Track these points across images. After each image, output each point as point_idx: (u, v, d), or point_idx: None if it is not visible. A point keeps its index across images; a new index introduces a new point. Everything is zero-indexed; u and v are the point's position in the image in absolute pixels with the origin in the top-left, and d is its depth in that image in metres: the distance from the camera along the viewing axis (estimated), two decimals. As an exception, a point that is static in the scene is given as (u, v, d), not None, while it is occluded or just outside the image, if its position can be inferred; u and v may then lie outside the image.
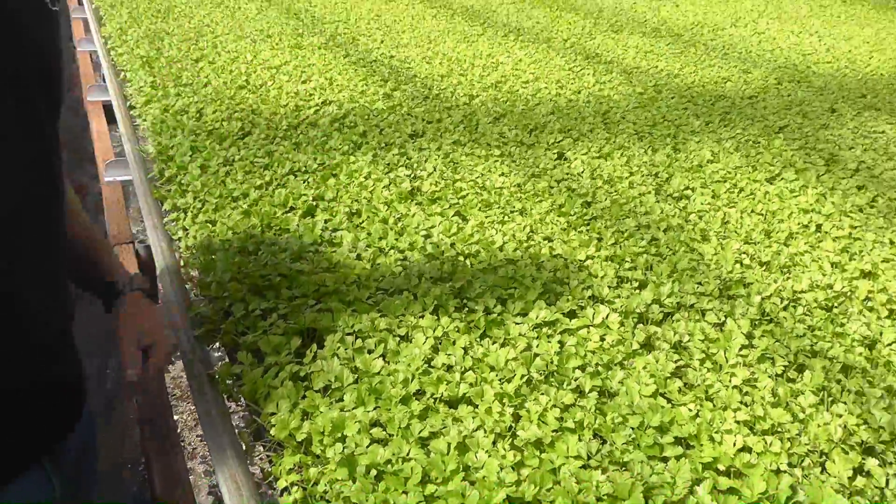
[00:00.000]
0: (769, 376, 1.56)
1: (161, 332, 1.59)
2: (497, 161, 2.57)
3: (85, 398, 1.41)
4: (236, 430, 1.44)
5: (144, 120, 2.91)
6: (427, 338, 1.57)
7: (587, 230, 2.13)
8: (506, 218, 2.15)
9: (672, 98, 3.48)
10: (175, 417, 2.00)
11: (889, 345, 1.72)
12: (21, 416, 1.22)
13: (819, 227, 2.28)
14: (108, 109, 3.40)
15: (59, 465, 1.34)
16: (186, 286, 1.89)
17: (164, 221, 2.19)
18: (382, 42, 4.28)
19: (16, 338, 1.17)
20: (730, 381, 1.54)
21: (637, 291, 1.83)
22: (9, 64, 1.02)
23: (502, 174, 2.45)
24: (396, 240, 1.98)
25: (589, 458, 1.31)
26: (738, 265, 2.00)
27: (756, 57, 4.41)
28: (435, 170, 2.45)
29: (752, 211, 2.34)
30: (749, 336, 1.69)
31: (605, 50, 4.39)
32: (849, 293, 1.92)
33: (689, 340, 1.66)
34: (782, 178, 2.61)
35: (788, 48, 4.67)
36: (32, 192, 1.10)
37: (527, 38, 4.59)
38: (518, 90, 3.47)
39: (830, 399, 1.52)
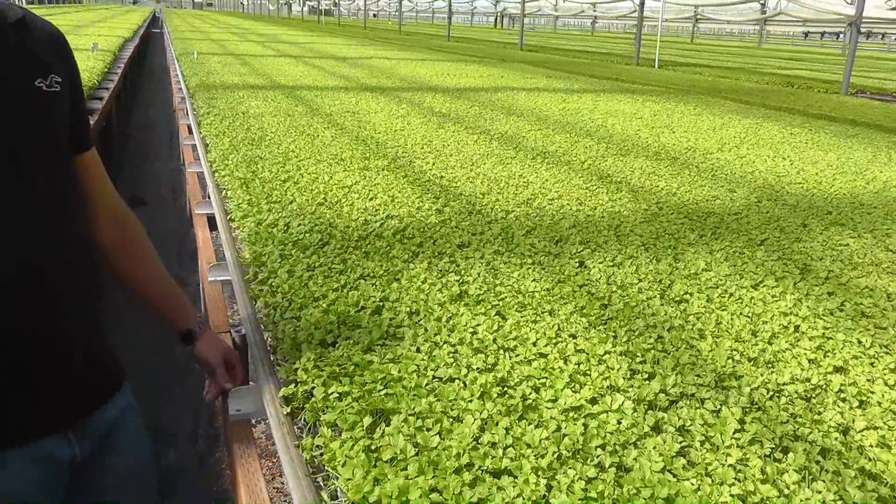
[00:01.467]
0: (758, 456, 1.56)
1: (234, 357, 1.72)
2: (529, 269, 2.62)
3: (116, 378, 1.48)
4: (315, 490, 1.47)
5: (242, 231, 3.00)
6: (475, 419, 1.60)
7: (604, 328, 2.15)
8: (537, 318, 2.19)
9: (671, 214, 3.52)
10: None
11: (860, 431, 1.72)
12: (42, 387, 1.29)
13: (797, 327, 2.28)
14: (211, 220, 3.50)
15: (84, 435, 1.38)
16: (276, 368, 1.93)
17: (257, 316, 2.25)
18: (433, 164, 4.39)
19: (43, 311, 1.25)
20: (725, 459, 1.54)
21: (647, 382, 1.85)
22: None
23: (534, 280, 2.49)
24: (448, 335, 2.02)
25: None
26: (730, 360, 2.01)
27: (739, 178, 4.46)
28: (479, 276, 2.49)
29: (741, 313, 2.35)
30: (741, 422, 1.69)
31: (616, 171, 4.46)
32: (824, 386, 1.92)
33: (691, 424, 1.67)
34: (765, 285, 2.63)
35: (765, 170, 4.72)
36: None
37: (551, 160, 4.68)
38: (545, 206, 3.53)
39: (811, 477, 1.52)
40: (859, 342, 2.21)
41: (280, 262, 2.54)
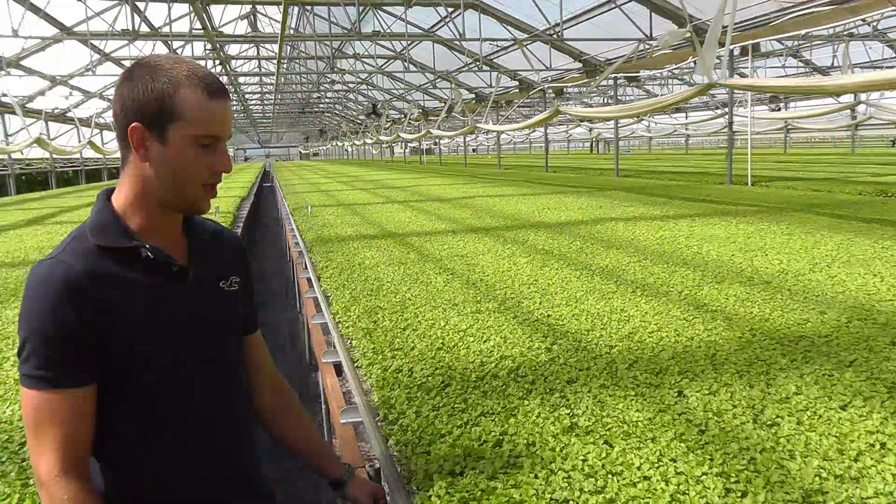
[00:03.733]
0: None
1: (380, 493, 2.10)
2: (633, 400, 2.92)
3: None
4: None
5: (369, 377, 3.43)
6: (590, 535, 1.91)
7: (702, 452, 2.43)
8: (641, 444, 2.49)
9: (764, 340, 3.75)
10: None
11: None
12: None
13: (883, 444, 2.49)
14: (337, 367, 3.93)
15: None
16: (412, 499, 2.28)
17: (389, 453, 2.62)
18: (540, 303, 4.76)
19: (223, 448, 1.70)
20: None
21: (740, 499, 2.11)
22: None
23: (637, 410, 2.80)
24: (562, 463, 2.34)
25: None
26: (817, 478, 2.25)
27: (830, 299, 4.62)
28: (587, 408, 2.82)
29: (829, 434, 2.58)
30: (826, 531, 1.94)
31: (711, 300, 4.72)
32: (905, 497, 2.14)
33: (780, 535, 1.93)
34: (853, 405, 2.84)
35: (856, 289, 4.87)
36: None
37: (650, 292, 4.99)
38: (645, 339, 3.83)
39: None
40: (944, 455, 2.40)
41: (408, 404, 2.94)
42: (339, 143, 74.33)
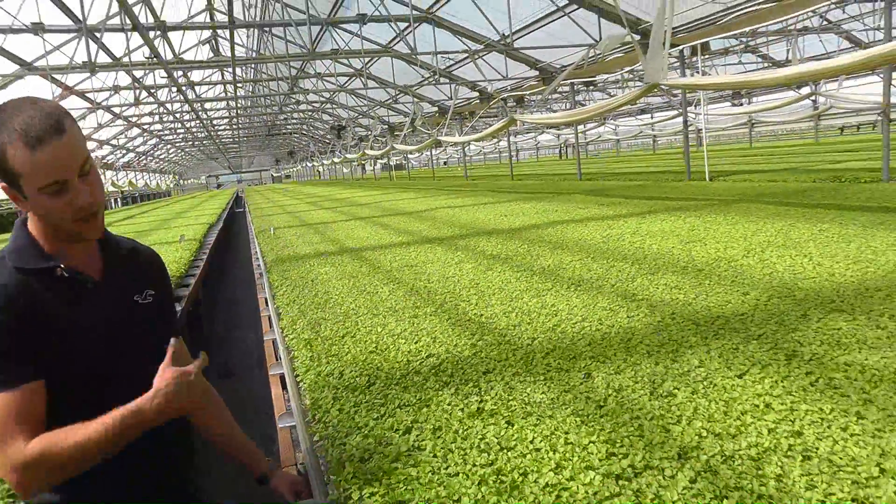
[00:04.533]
0: (699, 507, 2.00)
1: (300, 485, 2.26)
2: (541, 384, 3.12)
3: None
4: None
5: (303, 382, 3.60)
6: (471, 499, 2.09)
7: (594, 425, 2.62)
8: (539, 422, 2.68)
9: (682, 322, 3.97)
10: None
11: (794, 479, 2.13)
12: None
13: (768, 405, 2.70)
14: (282, 379, 4.12)
15: None
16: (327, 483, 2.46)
17: (315, 448, 2.80)
18: (476, 304, 4.96)
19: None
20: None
21: (620, 460, 2.30)
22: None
23: (543, 392, 2.99)
24: (462, 442, 2.53)
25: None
26: (696, 436, 2.45)
27: (756, 281, 4.85)
28: (497, 395, 3.01)
29: (719, 399, 2.78)
30: (692, 480, 2.13)
31: (641, 290, 4.93)
32: (774, 447, 2.34)
33: (647, 487, 2.12)
34: (749, 374, 3.05)
35: (783, 270, 5.10)
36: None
37: (584, 287, 5.19)
38: (567, 330, 4.04)
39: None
40: (820, 409, 2.61)
41: (332, 403, 3.12)
42: (310, 164, 74.49)
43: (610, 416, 2.70)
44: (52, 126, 1.60)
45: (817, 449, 2.31)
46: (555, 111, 36.51)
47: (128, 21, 13.48)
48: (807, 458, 2.26)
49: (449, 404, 2.94)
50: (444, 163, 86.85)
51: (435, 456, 2.45)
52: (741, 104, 31.11)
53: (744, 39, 22.11)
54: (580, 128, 39.82)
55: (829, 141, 34.70)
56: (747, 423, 2.54)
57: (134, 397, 1.76)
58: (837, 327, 3.63)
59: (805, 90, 25.28)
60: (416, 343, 4.04)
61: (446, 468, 2.33)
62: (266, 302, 6.57)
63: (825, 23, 21.26)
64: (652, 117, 39.71)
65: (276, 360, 4.55)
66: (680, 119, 32.29)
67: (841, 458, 2.24)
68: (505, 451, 2.44)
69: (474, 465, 2.33)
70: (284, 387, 4.04)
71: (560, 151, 68.81)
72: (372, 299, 5.50)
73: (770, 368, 3.08)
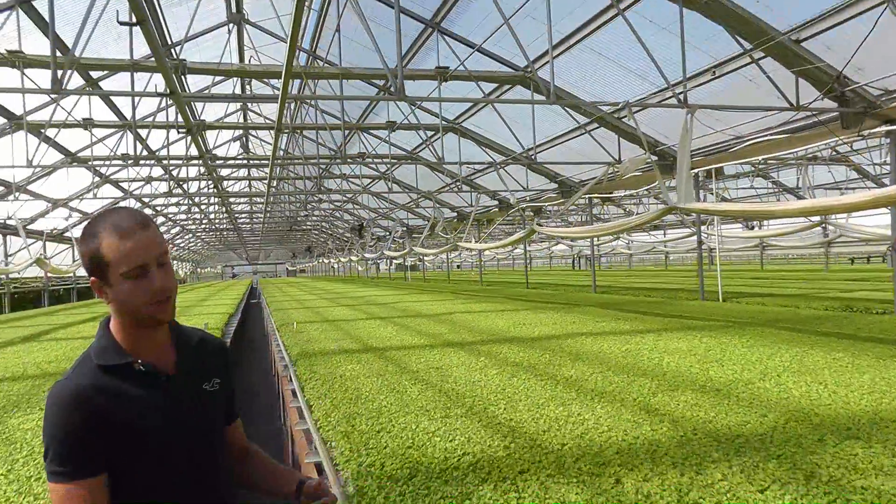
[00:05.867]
0: None
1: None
2: (574, 485, 3.33)
3: None
4: None
5: (344, 473, 3.81)
6: None
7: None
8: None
9: (704, 438, 4.17)
10: None
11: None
12: None
13: (788, 519, 2.90)
14: (318, 467, 4.31)
15: None
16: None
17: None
18: (504, 409, 5.17)
19: None
20: None
21: (653, 561, 2.50)
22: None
23: (577, 493, 3.21)
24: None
25: None
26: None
27: (773, 404, 5.05)
28: (533, 492, 3.23)
29: (741, 511, 2.98)
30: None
31: (662, 405, 5.14)
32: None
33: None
34: (770, 489, 3.25)
35: (800, 395, 5.30)
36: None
37: (606, 399, 5.40)
38: (595, 438, 4.25)
39: None
40: (838, 528, 2.81)
41: (377, 491, 3.33)
42: (326, 260, 75.31)
43: (640, 521, 2.90)
44: (139, 222, 1.95)
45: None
46: (570, 223, 37.15)
47: (170, 118, 14.16)
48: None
49: (489, 499, 3.15)
50: (458, 266, 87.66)
51: (482, 545, 2.66)
52: (752, 227, 31.66)
53: (756, 165, 22.71)
54: (595, 240, 40.47)
55: (838, 268, 35.06)
56: (770, 535, 2.74)
57: (194, 475, 2.01)
58: (854, 453, 3.83)
59: (816, 218, 25.76)
60: (451, 441, 4.26)
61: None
62: (294, 393, 6.78)
63: (834, 153, 21.87)
64: (665, 234, 40.31)
65: (313, 449, 4.74)
66: (692, 238, 32.81)
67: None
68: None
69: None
70: (320, 473, 4.23)
71: (574, 262, 69.38)
72: (402, 398, 5.72)
73: (790, 486, 3.28)
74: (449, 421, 4.83)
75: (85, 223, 2.02)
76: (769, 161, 19.12)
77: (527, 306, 15.68)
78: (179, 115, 13.05)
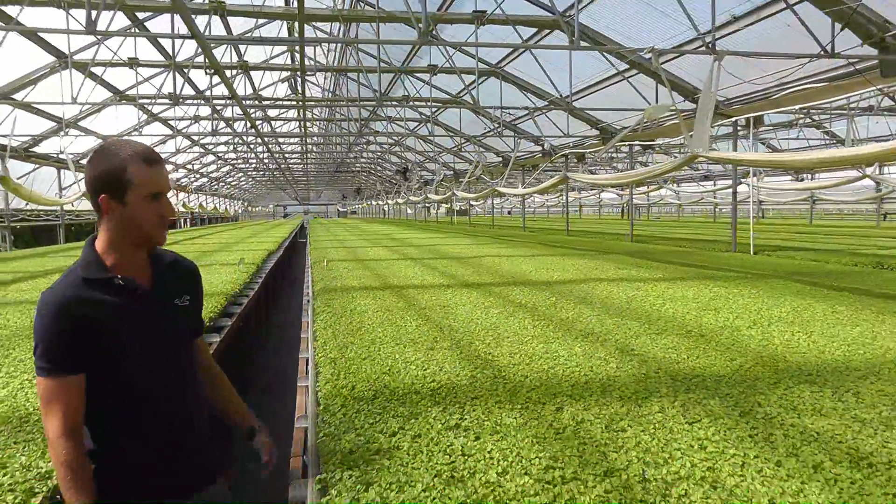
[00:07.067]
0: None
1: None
2: (517, 411, 3.65)
3: (216, 472, 2.55)
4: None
5: (321, 393, 4.19)
6: (424, 488, 2.62)
7: (545, 444, 3.13)
8: (501, 439, 3.20)
9: (662, 377, 4.42)
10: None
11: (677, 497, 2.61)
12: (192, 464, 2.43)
13: (703, 446, 3.16)
14: (305, 389, 4.71)
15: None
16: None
17: (315, 441, 3.36)
18: (488, 344, 5.48)
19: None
20: None
21: (553, 471, 2.81)
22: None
23: (514, 418, 3.52)
24: (433, 447, 3.07)
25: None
26: (627, 461, 2.94)
27: (749, 350, 5.23)
28: (476, 416, 3.55)
29: (662, 437, 3.26)
30: (606, 491, 2.63)
31: (640, 346, 5.38)
32: (686, 475, 2.81)
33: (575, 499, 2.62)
34: (700, 423, 3.51)
35: (780, 344, 5.45)
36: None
37: (590, 339, 5.66)
38: (559, 373, 4.54)
39: None
40: (745, 454, 3.06)
41: (339, 409, 3.69)
42: (375, 202, 76.10)
43: (563, 440, 3.20)
44: (158, 156, 2.34)
45: (724, 482, 2.78)
46: (620, 171, 36.95)
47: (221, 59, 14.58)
48: (713, 488, 2.73)
49: (433, 418, 3.49)
50: (509, 212, 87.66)
51: (408, 454, 2.99)
52: (801, 179, 31.10)
53: (807, 114, 22.29)
54: (642, 189, 40.16)
55: (892, 226, 34.32)
56: (677, 458, 3.01)
57: (162, 379, 2.35)
58: (801, 396, 4.01)
59: (871, 170, 25.24)
60: (424, 370, 4.59)
61: (412, 462, 2.88)
62: (307, 326, 7.19)
63: (893, 103, 21.32)
64: (714, 184, 39.82)
65: (306, 374, 5.14)
66: (741, 189, 32.38)
67: (740, 491, 2.70)
68: (464, 456, 2.97)
69: (435, 462, 2.87)
70: (305, 395, 4.62)
71: (622, 210, 68.94)
72: (398, 331, 6.07)
73: (720, 421, 3.53)
74: (432, 353, 5.16)
75: (97, 148, 2.32)
76: (811, 110, 18.77)
77: (557, 252, 15.90)
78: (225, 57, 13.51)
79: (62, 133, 19.99)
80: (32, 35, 14.64)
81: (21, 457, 3.28)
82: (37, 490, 2.96)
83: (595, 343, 5.52)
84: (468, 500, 2.56)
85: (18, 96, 17.47)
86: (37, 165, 23.95)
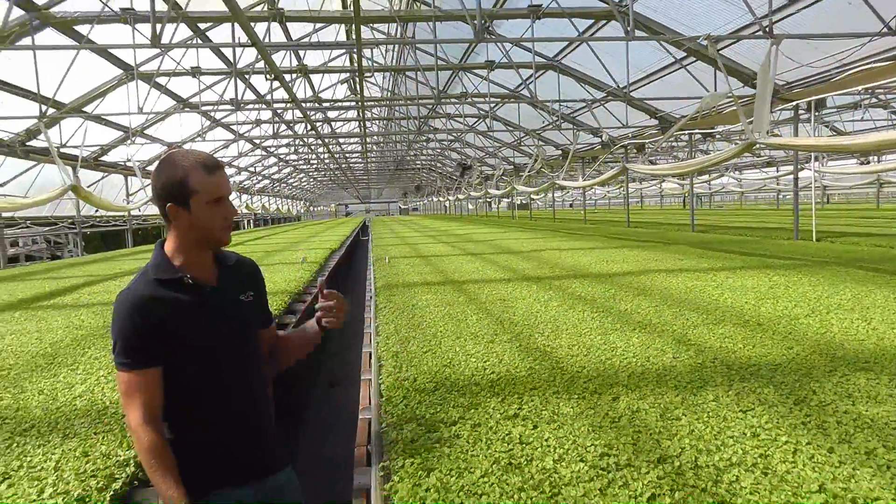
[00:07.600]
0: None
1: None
2: (574, 401, 3.76)
3: (284, 461, 2.69)
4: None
5: (384, 385, 4.36)
6: (496, 480, 2.76)
7: (601, 432, 3.24)
8: (559, 427, 3.32)
9: (717, 367, 4.47)
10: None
11: (743, 484, 2.69)
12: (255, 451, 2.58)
13: (755, 433, 3.24)
14: (368, 382, 4.90)
15: (263, 488, 2.60)
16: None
17: (379, 430, 3.52)
18: (547, 337, 5.59)
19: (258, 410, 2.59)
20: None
21: (609, 458, 2.92)
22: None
23: (571, 407, 3.63)
24: (492, 435, 3.21)
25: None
26: (680, 448, 3.03)
27: (807, 339, 5.23)
28: (534, 406, 3.68)
29: (716, 425, 3.34)
30: (659, 478, 2.73)
31: (697, 337, 5.42)
32: (738, 461, 2.89)
33: (628, 484, 2.73)
34: (753, 411, 3.57)
35: (839, 332, 5.43)
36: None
37: (648, 330, 5.72)
38: (616, 364, 4.63)
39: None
40: (797, 441, 3.13)
41: (402, 400, 3.86)
42: (436, 199, 76.50)
43: (618, 429, 3.31)
44: (219, 164, 2.50)
45: (775, 468, 2.85)
46: (680, 160, 36.47)
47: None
48: (763, 474, 2.81)
49: (492, 408, 3.63)
50: (570, 205, 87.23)
51: (468, 442, 3.14)
52: (867, 162, 30.23)
53: (871, 94, 21.71)
54: (703, 178, 39.56)
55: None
56: (729, 445, 3.09)
57: (231, 370, 2.52)
58: (857, 383, 4.02)
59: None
60: (484, 362, 4.74)
61: (472, 450, 3.03)
62: (370, 321, 7.39)
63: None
64: (777, 170, 38.98)
65: (369, 367, 5.33)
66: (804, 174, 31.69)
67: (790, 476, 2.78)
68: (522, 444, 3.10)
69: (494, 449, 3.01)
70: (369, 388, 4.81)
71: (684, 200, 67.97)
72: (459, 325, 6.22)
73: (774, 409, 3.58)
74: (491, 346, 5.30)
75: (161, 159, 2.51)
76: (877, 90, 18.29)
77: (617, 244, 15.87)
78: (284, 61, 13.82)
79: (129, 141, 20.76)
80: (102, 51, 15.19)
81: (101, 446, 3.54)
82: (116, 476, 3.20)
83: (652, 334, 5.58)
84: (525, 486, 2.69)
85: (89, 108, 18.20)
86: (105, 173, 24.85)
